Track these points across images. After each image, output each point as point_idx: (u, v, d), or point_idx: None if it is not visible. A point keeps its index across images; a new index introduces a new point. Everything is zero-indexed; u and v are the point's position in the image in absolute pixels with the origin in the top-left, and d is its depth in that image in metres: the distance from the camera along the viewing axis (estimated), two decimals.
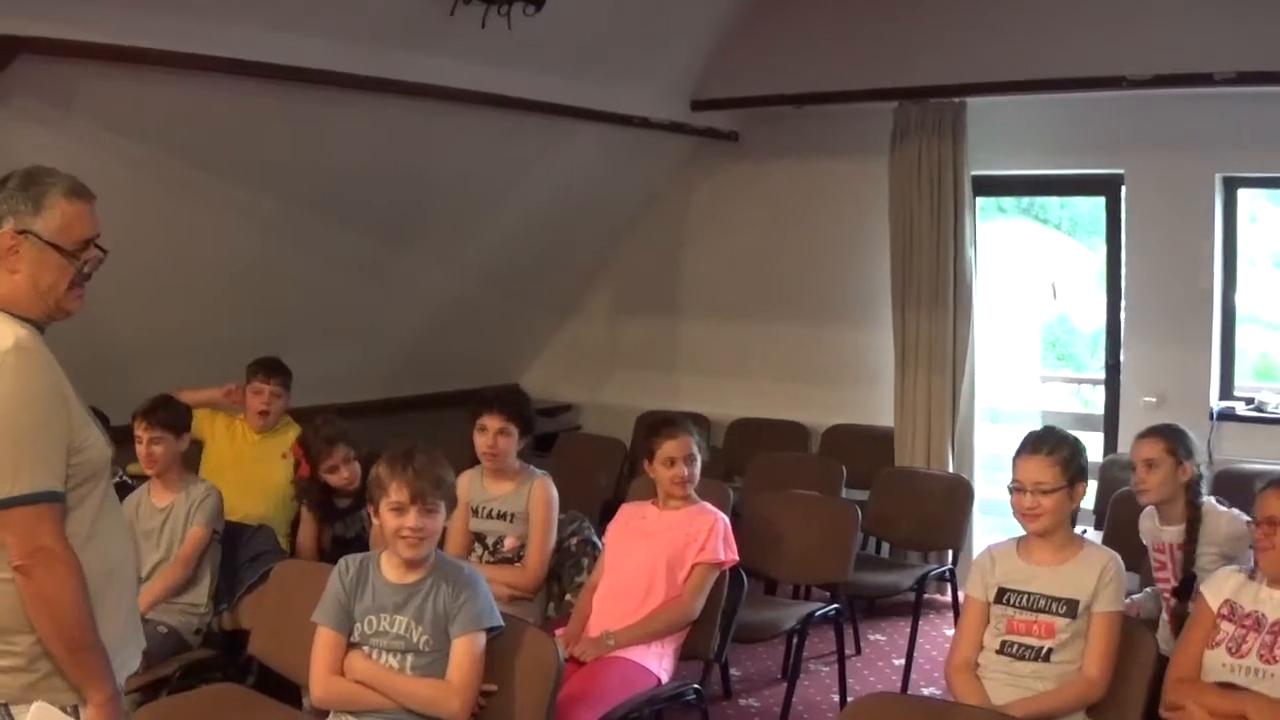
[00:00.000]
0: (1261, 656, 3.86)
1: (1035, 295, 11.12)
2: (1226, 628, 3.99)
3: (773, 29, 8.33)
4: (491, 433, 5.60)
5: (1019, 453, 4.33)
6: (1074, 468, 4.24)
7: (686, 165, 9.41)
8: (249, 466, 6.29)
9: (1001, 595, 4.25)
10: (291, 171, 6.67)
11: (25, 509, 2.86)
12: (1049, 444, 4.27)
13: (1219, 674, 3.93)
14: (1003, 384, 8.89)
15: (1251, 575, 4.08)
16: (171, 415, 5.58)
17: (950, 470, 7.88)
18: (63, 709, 2.97)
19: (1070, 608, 4.11)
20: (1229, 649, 3.94)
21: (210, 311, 7.08)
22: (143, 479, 5.77)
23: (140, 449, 5.51)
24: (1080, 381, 10.38)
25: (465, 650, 4.02)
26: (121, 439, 5.92)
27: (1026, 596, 4.20)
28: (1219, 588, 4.12)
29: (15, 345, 2.90)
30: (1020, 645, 4.17)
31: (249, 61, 5.70)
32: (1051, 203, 11.45)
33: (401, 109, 6.74)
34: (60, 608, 2.89)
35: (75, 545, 2.95)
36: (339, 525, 5.87)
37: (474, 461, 5.73)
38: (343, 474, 5.79)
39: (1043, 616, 4.15)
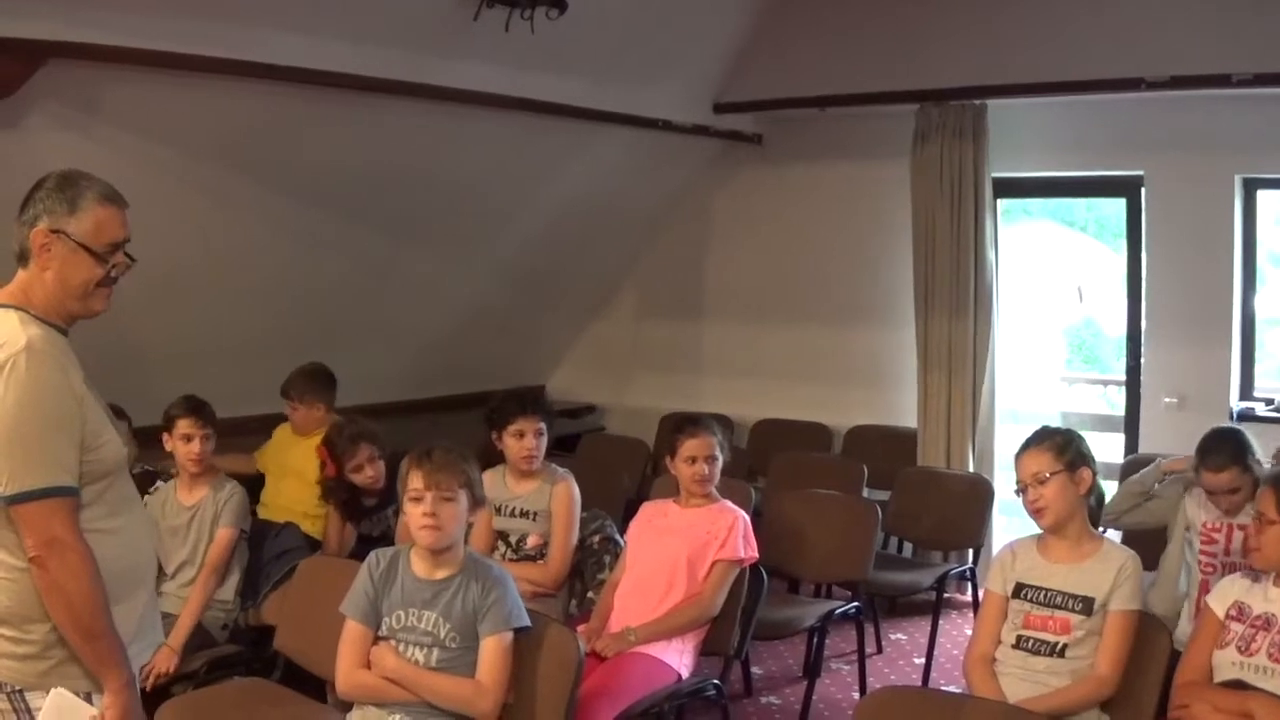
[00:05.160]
0: (1271, 655, 3.87)
1: (1061, 298, 11.13)
2: (1236, 628, 4.01)
3: (795, 32, 8.37)
4: (531, 435, 5.64)
5: (1015, 456, 4.42)
6: (1070, 452, 4.30)
7: (710, 168, 9.42)
8: (295, 461, 6.36)
9: (1019, 590, 4.30)
10: (315, 174, 6.71)
11: (38, 503, 2.96)
12: (1038, 437, 4.38)
13: (1229, 671, 3.96)
14: (1024, 385, 8.90)
15: (1256, 579, 4.11)
16: (211, 414, 5.69)
17: (971, 470, 7.91)
18: (76, 694, 3.06)
19: (1086, 605, 4.15)
20: (1238, 648, 3.96)
21: (236, 314, 7.13)
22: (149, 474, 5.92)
23: (191, 446, 5.59)
24: (1104, 383, 10.37)
25: (494, 650, 4.07)
26: (145, 439, 6.05)
27: (1044, 592, 4.24)
28: (1224, 594, 4.14)
29: (27, 346, 2.98)
30: (1036, 640, 4.21)
31: (274, 65, 5.75)
32: (1078, 205, 11.40)
33: (426, 112, 6.79)
34: (75, 597, 2.98)
35: (92, 540, 3.03)
36: (365, 524, 5.91)
37: (490, 462, 5.77)
38: (367, 473, 5.83)
39: (1059, 613, 4.19)
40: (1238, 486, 5.05)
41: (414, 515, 4.11)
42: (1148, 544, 5.41)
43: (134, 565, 3.24)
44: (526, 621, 4.18)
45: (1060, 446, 4.29)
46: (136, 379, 6.39)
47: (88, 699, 3.07)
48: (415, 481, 4.10)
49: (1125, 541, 5.35)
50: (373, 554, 4.31)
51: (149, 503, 5.72)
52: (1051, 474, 4.25)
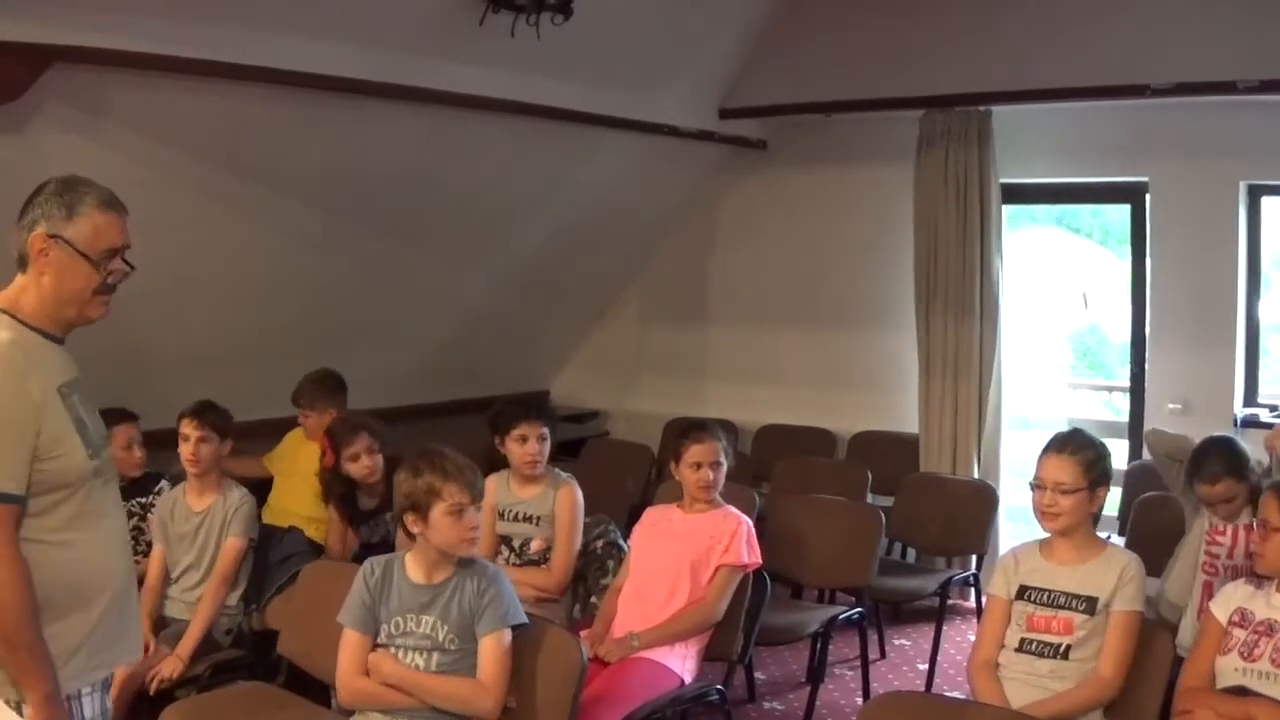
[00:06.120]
0: (1273, 661, 3.88)
1: (1066, 304, 11.14)
2: (1238, 634, 4.01)
3: (800, 37, 8.36)
4: (534, 439, 5.66)
5: (1044, 451, 4.38)
6: (1096, 471, 4.28)
7: (715, 173, 9.43)
8: (303, 463, 6.36)
9: (1023, 592, 4.31)
10: (322, 178, 6.72)
11: None
12: (1073, 445, 4.32)
13: (1231, 677, 3.96)
14: (1031, 391, 8.89)
15: (1259, 585, 4.11)
16: (219, 418, 5.64)
17: (976, 476, 7.90)
18: (7, 702, 3.02)
19: (1089, 604, 4.17)
20: (1241, 654, 3.97)
21: (240, 318, 7.14)
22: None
23: (186, 447, 5.55)
24: (1108, 389, 10.37)
25: (493, 648, 4.08)
26: (153, 443, 6.05)
27: (1047, 594, 4.25)
28: (1227, 600, 4.14)
29: None
30: (1039, 642, 4.22)
31: (280, 70, 5.76)
32: (1083, 211, 11.42)
33: (432, 117, 6.79)
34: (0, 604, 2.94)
35: (37, 550, 3.00)
36: (364, 530, 5.88)
37: (493, 467, 5.78)
38: (364, 463, 5.79)
39: (1062, 613, 4.21)
40: (1232, 496, 5.07)
41: (456, 529, 4.09)
42: (1156, 547, 5.42)
43: (90, 585, 3.16)
44: (524, 619, 4.19)
45: (1090, 463, 4.26)
46: (145, 383, 6.42)
47: (17, 708, 3.02)
48: (459, 495, 4.07)
49: (1130, 547, 5.38)
50: (368, 562, 4.32)
51: (156, 505, 5.74)
52: (1075, 489, 4.24)
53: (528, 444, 5.66)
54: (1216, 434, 5.49)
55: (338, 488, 5.87)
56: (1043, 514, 4.31)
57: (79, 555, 3.12)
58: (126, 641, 3.35)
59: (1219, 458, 5.13)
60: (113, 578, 3.24)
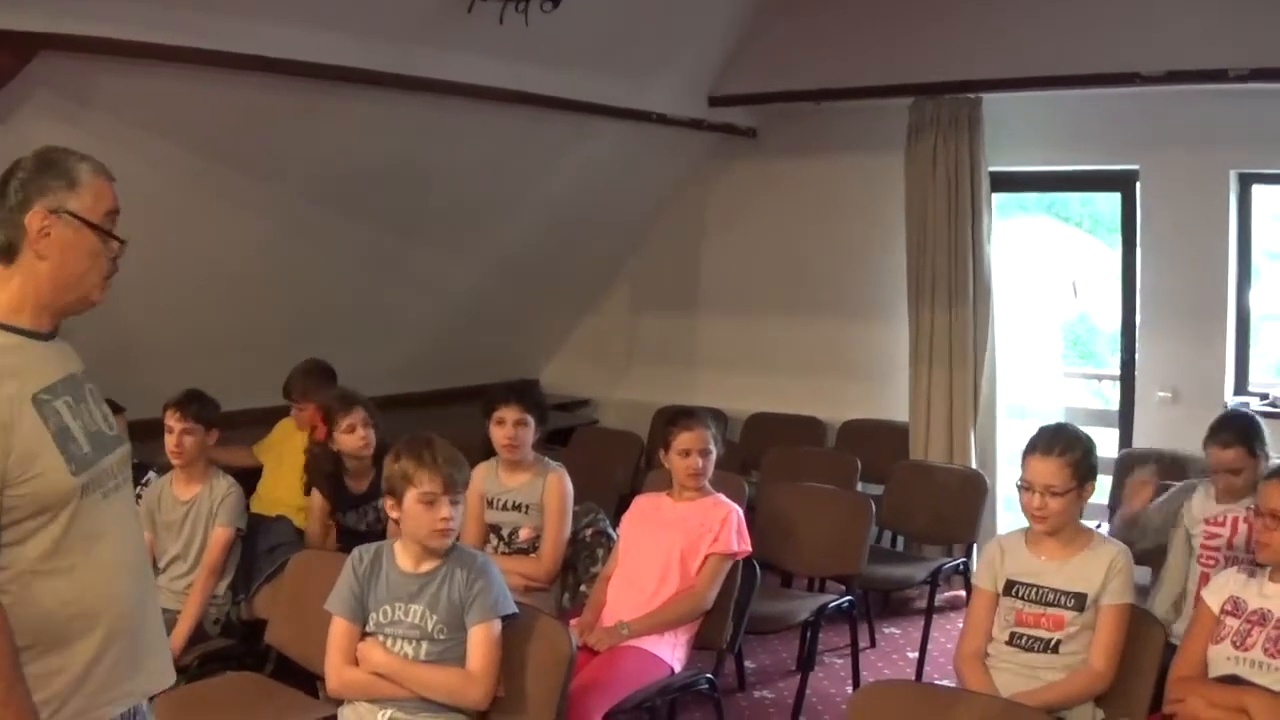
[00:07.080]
0: (1266, 650, 3.87)
1: (1056, 293, 11.12)
2: (1231, 623, 4.00)
3: (790, 25, 8.36)
4: (510, 424, 5.61)
5: (1030, 450, 4.31)
6: (1084, 468, 4.23)
7: (704, 161, 9.44)
8: (292, 452, 6.31)
9: (1010, 588, 4.27)
10: (310, 167, 6.71)
11: None
12: (1060, 444, 4.24)
13: (1224, 666, 3.95)
14: (1026, 380, 8.88)
15: (1252, 574, 4.10)
16: (203, 408, 5.61)
17: (973, 465, 7.89)
18: None
19: (1079, 601, 4.14)
20: (1234, 642, 3.95)
21: (230, 307, 7.13)
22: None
23: (170, 439, 5.54)
24: (1098, 377, 10.37)
25: (483, 638, 4.05)
26: (141, 433, 6.03)
27: (1035, 590, 4.22)
28: (1220, 589, 4.13)
29: None
30: (1029, 637, 4.20)
31: (269, 58, 5.73)
32: (1072, 200, 11.40)
33: (420, 105, 6.78)
34: None
35: (19, 583, 2.65)
36: (351, 516, 5.83)
37: (488, 455, 5.77)
38: (359, 435, 5.74)
39: (1051, 610, 4.18)
40: (1240, 468, 5.05)
41: (427, 518, 4.06)
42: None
43: (85, 610, 2.76)
44: (513, 608, 4.17)
45: (1078, 462, 4.20)
46: (134, 372, 6.40)
47: None
48: (430, 484, 4.05)
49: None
50: (356, 550, 4.29)
51: (144, 496, 5.71)
52: (1066, 491, 4.19)
53: (504, 427, 5.62)
54: (1238, 409, 5.50)
55: (326, 464, 5.81)
56: (1033, 516, 4.26)
57: (73, 582, 2.74)
58: (147, 671, 2.98)
59: (1237, 427, 5.15)
60: (118, 601, 2.86)
